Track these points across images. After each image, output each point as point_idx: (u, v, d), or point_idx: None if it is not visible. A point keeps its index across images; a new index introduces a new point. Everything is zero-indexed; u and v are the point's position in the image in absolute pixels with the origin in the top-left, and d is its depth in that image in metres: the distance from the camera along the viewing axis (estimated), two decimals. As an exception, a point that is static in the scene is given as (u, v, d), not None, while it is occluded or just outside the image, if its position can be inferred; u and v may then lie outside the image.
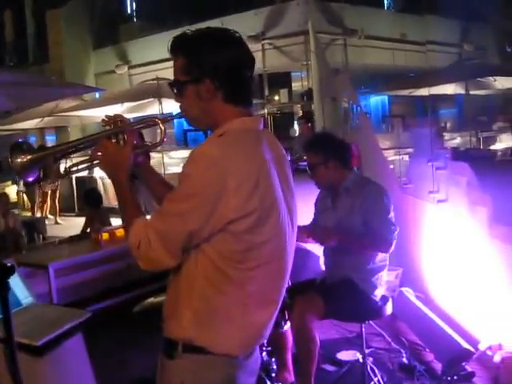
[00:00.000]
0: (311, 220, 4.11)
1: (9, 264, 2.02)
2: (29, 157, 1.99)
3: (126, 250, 1.91)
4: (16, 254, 6.27)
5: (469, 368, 4.09)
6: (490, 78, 12.91)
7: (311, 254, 5.24)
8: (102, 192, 10.85)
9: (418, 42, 13.82)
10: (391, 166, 9.51)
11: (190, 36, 1.91)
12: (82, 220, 8.07)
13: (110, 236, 6.09)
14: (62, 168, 2.46)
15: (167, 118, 2.19)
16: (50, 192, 13.43)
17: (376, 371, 4.03)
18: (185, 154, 11.84)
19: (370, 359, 4.11)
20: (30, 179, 2.07)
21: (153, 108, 11.72)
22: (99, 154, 2.02)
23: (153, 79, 11.03)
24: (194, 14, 12.79)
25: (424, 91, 11.63)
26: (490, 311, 4.14)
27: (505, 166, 7.02)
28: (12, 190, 14.89)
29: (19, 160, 1.99)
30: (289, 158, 2.12)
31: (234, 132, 1.88)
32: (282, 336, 3.88)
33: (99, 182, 12.85)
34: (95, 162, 2.06)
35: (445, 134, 13.23)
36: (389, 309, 3.82)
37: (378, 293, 3.77)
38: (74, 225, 11.24)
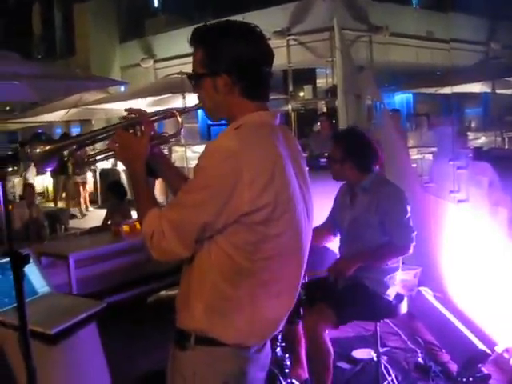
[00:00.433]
0: (328, 215, 4.10)
1: (24, 253, 2.06)
2: (47, 147, 2.01)
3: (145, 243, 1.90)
4: (38, 244, 6.34)
5: (485, 370, 4.06)
6: (518, 77, 12.74)
7: (329, 252, 5.22)
8: (126, 185, 10.93)
9: (442, 39, 13.67)
10: (414, 165, 9.43)
11: (210, 29, 1.92)
12: (104, 212, 8.14)
13: (130, 228, 6.13)
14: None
15: (184, 110, 2.18)
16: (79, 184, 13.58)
17: (390, 370, 4.00)
18: (208, 148, 11.84)
19: (385, 358, 4.09)
20: (48, 169, 2.09)
21: (176, 102, 11.73)
22: (116, 144, 2.04)
23: (177, 73, 11.11)
24: (219, 9, 12.80)
25: (449, 90, 11.51)
26: (509, 313, 4.09)
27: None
28: (38, 182, 15.06)
29: (37, 150, 2.01)
30: (305, 155, 2.12)
31: (250, 125, 1.89)
32: (296, 332, 3.88)
33: (122, 175, 12.94)
34: (111, 152, 2.08)
35: (469, 133, 13.07)
36: (404, 307, 3.80)
37: (391, 292, 3.74)
38: (96, 217, 11.36)
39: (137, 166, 2.00)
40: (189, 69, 2.01)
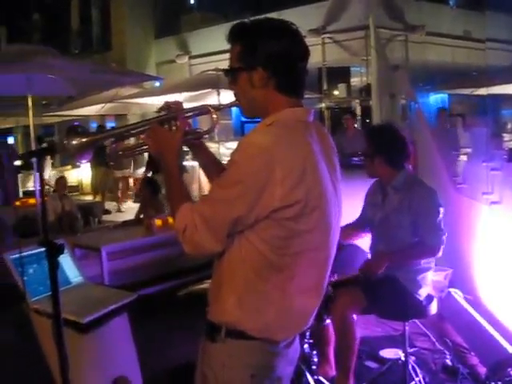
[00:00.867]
0: (360, 213, 4.10)
1: (59, 243, 2.11)
2: (83, 139, 2.05)
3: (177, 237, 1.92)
4: (71, 237, 6.45)
5: (514, 374, 4.01)
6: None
7: (360, 250, 5.21)
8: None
9: (479, 39, 13.48)
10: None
11: (248, 25, 1.95)
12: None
13: (162, 223, 6.21)
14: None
15: (219, 107, 2.20)
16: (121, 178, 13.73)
17: (418, 371, 3.98)
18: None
19: (413, 358, 4.07)
20: (83, 162, 2.14)
21: (211, 98, 11.77)
22: (150, 138, 2.07)
23: (212, 70, 11.15)
24: (254, 7, 12.83)
25: (485, 91, 11.35)
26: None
27: None
28: (71, 175, 15.28)
29: (74, 142, 2.05)
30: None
31: (284, 122, 1.90)
32: (324, 329, 3.89)
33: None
34: (146, 146, 2.11)
35: (504, 134, 12.88)
36: (433, 309, 3.78)
37: (423, 292, 3.74)
38: (130, 210, 11.48)
39: (170, 159, 2.02)
40: (223, 65, 2.03)
